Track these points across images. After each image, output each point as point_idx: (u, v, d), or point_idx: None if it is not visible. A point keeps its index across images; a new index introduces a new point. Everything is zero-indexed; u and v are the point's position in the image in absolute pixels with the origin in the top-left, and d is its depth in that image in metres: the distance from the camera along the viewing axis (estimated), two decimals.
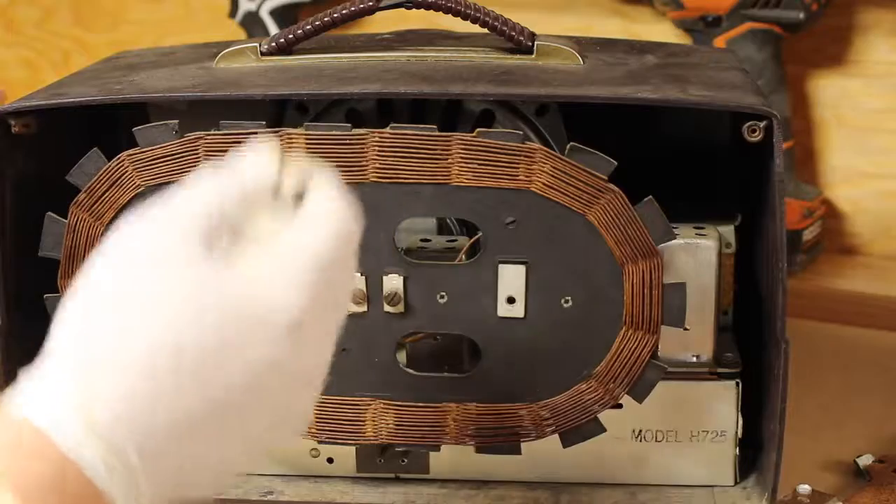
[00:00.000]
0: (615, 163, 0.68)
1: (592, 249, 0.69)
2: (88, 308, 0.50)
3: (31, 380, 0.49)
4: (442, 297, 0.71)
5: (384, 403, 0.73)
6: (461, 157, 0.69)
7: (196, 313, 0.49)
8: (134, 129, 0.71)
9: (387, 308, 0.71)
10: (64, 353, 0.49)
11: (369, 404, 0.73)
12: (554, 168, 0.68)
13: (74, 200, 0.72)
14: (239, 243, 0.53)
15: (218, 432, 0.50)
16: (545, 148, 0.68)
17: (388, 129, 0.69)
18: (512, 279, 0.70)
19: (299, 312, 0.52)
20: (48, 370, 0.49)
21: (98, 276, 0.51)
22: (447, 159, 0.69)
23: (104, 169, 0.71)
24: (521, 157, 0.68)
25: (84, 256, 0.72)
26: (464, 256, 0.74)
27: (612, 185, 0.68)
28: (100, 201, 0.71)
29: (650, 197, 0.69)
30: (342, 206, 0.55)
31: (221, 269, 0.51)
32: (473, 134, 0.69)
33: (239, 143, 0.69)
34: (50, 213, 0.72)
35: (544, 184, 0.69)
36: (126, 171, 0.71)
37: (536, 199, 0.69)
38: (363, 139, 0.69)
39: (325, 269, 0.53)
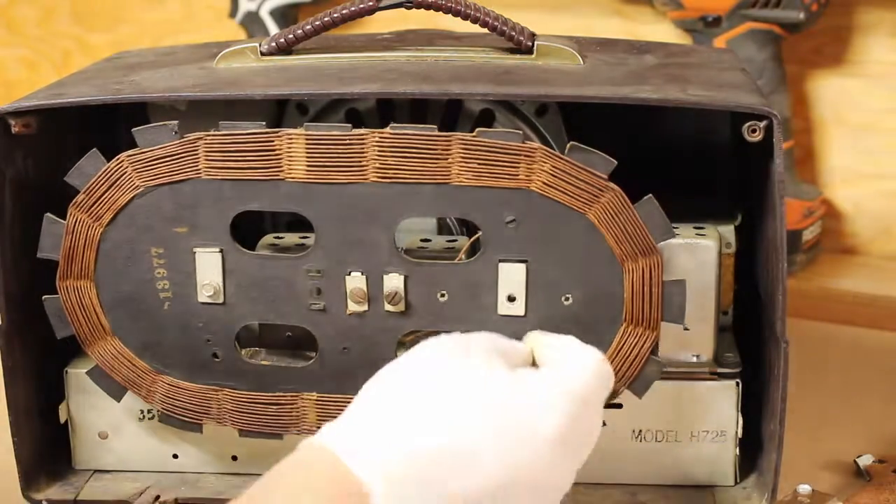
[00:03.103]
0: (615, 162, 0.68)
1: (592, 247, 0.69)
2: (398, 382, 0.61)
3: (343, 434, 0.58)
4: (442, 295, 0.71)
5: None
6: (461, 157, 0.69)
7: (484, 414, 0.59)
8: (133, 130, 0.71)
9: (388, 307, 0.71)
10: (372, 421, 0.59)
11: None
12: (554, 167, 0.68)
13: (73, 201, 0.72)
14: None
15: None
16: (545, 147, 0.68)
17: (388, 129, 0.69)
18: (512, 277, 0.70)
19: (561, 432, 0.60)
20: (360, 432, 0.58)
21: (411, 366, 0.62)
22: (447, 159, 0.69)
23: (103, 170, 0.71)
24: (522, 157, 0.68)
25: (83, 257, 0.72)
26: (464, 256, 0.74)
27: (611, 184, 0.68)
28: (99, 202, 0.71)
29: (650, 195, 0.69)
30: (600, 360, 0.64)
31: (513, 383, 0.61)
32: (473, 134, 0.69)
33: (238, 143, 0.70)
34: (48, 213, 0.72)
35: (544, 183, 0.69)
36: (125, 172, 0.71)
37: (536, 198, 0.69)
38: (363, 139, 0.69)
39: (584, 404, 0.61)
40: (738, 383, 0.76)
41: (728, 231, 0.79)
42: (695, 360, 0.76)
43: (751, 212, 0.78)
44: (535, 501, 0.60)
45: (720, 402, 0.76)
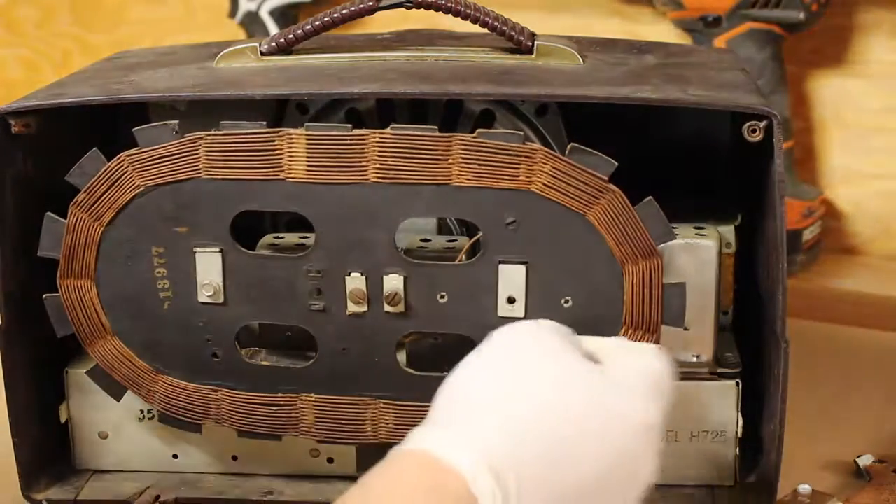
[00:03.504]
0: (615, 163, 0.68)
1: (592, 249, 0.69)
2: (491, 376, 0.59)
3: (436, 433, 0.57)
4: (442, 296, 0.71)
5: (384, 403, 0.73)
6: (461, 158, 0.69)
7: (570, 398, 0.58)
8: (134, 130, 0.71)
9: (387, 308, 0.71)
10: (467, 413, 0.57)
11: (369, 404, 0.73)
12: (554, 168, 0.68)
13: (74, 200, 0.72)
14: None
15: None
16: (545, 148, 0.68)
17: (388, 130, 0.69)
18: (512, 279, 0.70)
19: (653, 416, 0.60)
20: (452, 424, 0.57)
21: (491, 353, 0.60)
22: (447, 160, 0.69)
23: (104, 169, 0.71)
24: (522, 158, 0.68)
25: (83, 256, 0.72)
26: (464, 257, 0.74)
27: (612, 186, 0.68)
28: (99, 201, 0.71)
29: (650, 197, 0.69)
30: (659, 351, 0.64)
31: (593, 368, 0.60)
32: (474, 135, 0.69)
33: (239, 143, 0.70)
34: (49, 212, 0.72)
35: (544, 184, 0.69)
36: (126, 172, 0.71)
37: (537, 199, 0.69)
38: (363, 139, 0.69)
39: (666, 392, 0.62)
40: (738, 383, 0.76)
41: (728, 231, 0.79)
42: (695, 360, 0.76)
43: (751, 212, 0.78)
44: (632, 490, 0.59)
45: (720, 402, 0.76)
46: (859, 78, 1.19)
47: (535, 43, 0.78)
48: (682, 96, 0.71)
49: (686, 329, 0.73)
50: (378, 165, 0.69)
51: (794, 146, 1.17)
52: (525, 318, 0.70)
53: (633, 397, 0.60)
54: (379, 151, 0.69)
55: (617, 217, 0.68)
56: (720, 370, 0.76)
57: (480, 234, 0.70)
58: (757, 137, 0.69)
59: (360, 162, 0.69)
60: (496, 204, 0.69)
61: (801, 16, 1.10)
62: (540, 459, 0.56)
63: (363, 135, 0.69)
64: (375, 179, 0.70)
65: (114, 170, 0.71)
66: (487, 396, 0.57)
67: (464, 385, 0.59)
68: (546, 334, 0.62)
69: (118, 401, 0.76)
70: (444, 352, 0.69)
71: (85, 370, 0.76)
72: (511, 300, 0.71)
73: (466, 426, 0.56)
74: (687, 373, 0.75)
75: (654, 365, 0.63)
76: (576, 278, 0.70)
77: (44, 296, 0.73)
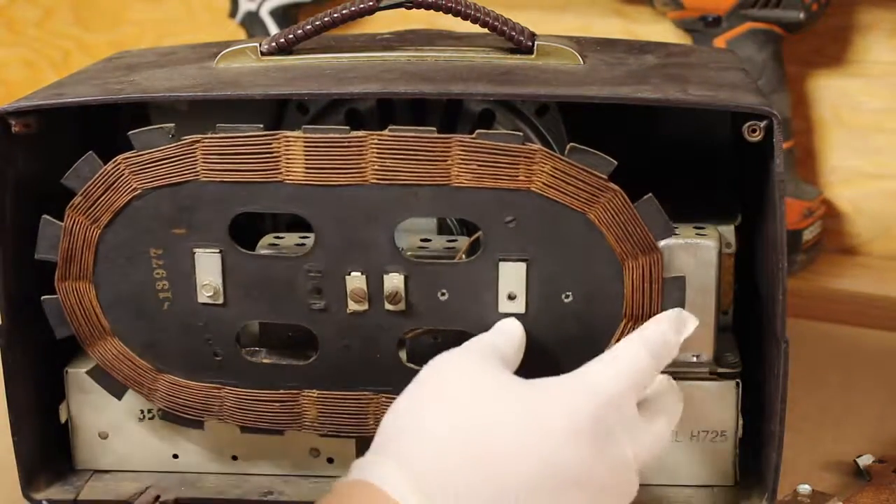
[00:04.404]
0: (615, 162, 0.68)
1: (593, 246, 0.69)
2: (415, 405, 0.62)
3: (374, 462, 0.61)
4: (443, 294, 0.71)
5: (386, 398, 0.73)
6: (461, 159, 0.69)
7: (488, 412, 0.60)
8: (129, 133, 0.71)
9: (388, 307, 0.71)
10: (397, 442, 0.61)
11: (371, 399, 0.73)
12: (554, 168, 0.68)
13: (70, 203, 0.72)
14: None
15: None
16: (545, 148, 0.68)
17: (386, 131, 0.69)
18: (512, 276, 0.70)
19: (578, 421, 0.60)
20: (387, 453, 0.61)
21: (419, 382, 0.64)
22: (447, 161, 0.69)
23: (100, 172, 0.71)
24: (521, 158, 0.68)
25: (81, 259, 0.72)
26: (464, 255, 0.74)
27: (612, 184, 0.68)
28: (96, 204, 0.71)
29: (650, 194, 0.69)
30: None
31: (514, 381, 0.62)
32: (473, 136, 0.69)
33: (236, 146, 0.70)
34: (45, 215, 0.72)
35: (544, 184, 0.69)
36: (122, 175, 0.71)
37: (537, 198, 0.69)
38: (362, 141, 0.69)
39: (605, 394, 0.62)
40: (738, 383, 0.76)
41: (728, 231, 0.79)
42: (695, 360, 0.76)
43: (751, 212, 0.78)
44: (577, 498, 0.60)
45: (720, 402, 0.76)
46: (859, 78, 1.19)
47: (535, 43, 0.78)
48: (682, 96, 0.71)
49: None
50: (377, 167, 0.69)
51: (794, 146, 1.17)
52: (526, 314, 0.70)
53: (552, 403, 0.61)
54: (378, 153, 0.69)
55: (617, 215, 0.69)
56: (720, 370, 0.76)
57: (480, 232, 0.70)
58: (757, 137, 0.69)
59: (359, 164, 0.69)
60: (496, 204, 0.69)
61: (801, 16, 1.10)
62: (466, 474, 0.59)
63: (361, 137, 0.69)
64: (374, 181, 0.70)
65: (110, 173, 0.71)
66: (415, 422, 0.61)
67: (399, 414, 0.63)
68: (466, 356, 0.65)
69: (119, 399, 0.76)
70: (445, 346, 0.68)
71: (85, 370, 0.76)
72: (511, 297, 0.71)
73: (397, 454, 0.60)
74: (687, 373, 0.75)
75: (592, 368, 0.64)
76: (576, 274, 0.70)
77: (42, 298, 0.73)
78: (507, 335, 0.69)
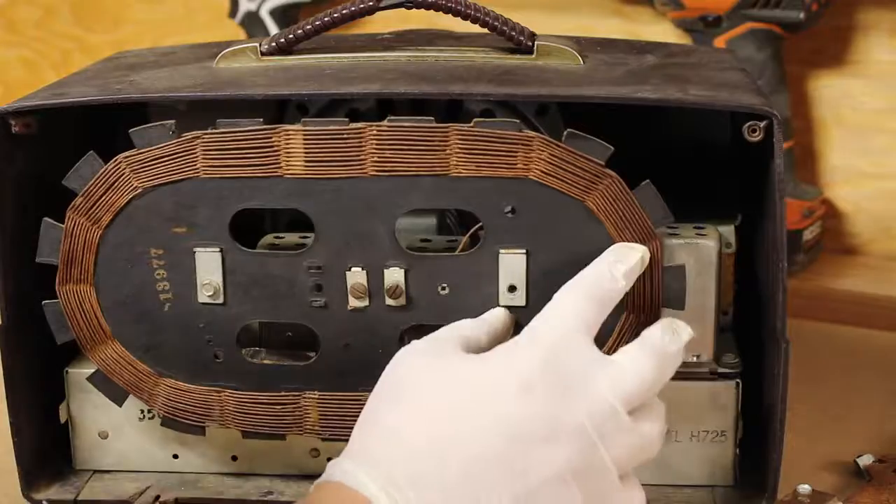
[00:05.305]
0: (612, 148, 0.68)
1: (592, 235, 0.69)
2: (376, 404, 0.63)
3: (345, 463, 0.61)
4: (443, 288, 0.71)
5: None
6: (459, 148, 0.69)
7: (451, 400, 0.61)
8: (130, 131, 0.71)
9: (388, 301, 0.71)
10: (362, 443, 0.62)
11: None
12: (552, 155, 0.68)
13: (71, 205, 0.71)
14: None
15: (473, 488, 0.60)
16: (542, 136, 0.68)
17: (385, 122, 0.69)
18: (513, 267, 0.70)
19: (527, 374, 0.61)
20: (358, 453, 0.62)
21: (383, 379, 0.64)
22: (445, 150, 0.69)
23: (101, 172, 0.71)
24: (519, 146, 0.68)
25: (82, 261, 0.72)
26: (464, 249, 0.74)
27: (609, 171, 0.68)
28: (97, 205, 0.71)
29: (647, 181, 0.69)
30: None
31: (468, 358, 0.63)
32: (471, 124, 0.69)
33: (236, 141, 0.70)
34: (46, 218, 0.72)
35: (542, 171, 0.69)
36: (123, 174, 0.71)
37: (535, 186, 0.69)
38: (361, 133, 0.69)
39: (551, 345, 0.62)
40: (738, 383, 0.76)
41: (728, 231, 0.79)
42: (695, 360, 0.76)
43: (751, 212, 0.78)
44: (544, 462, 0.60)
45: (720, 402, 0.76)
46: (859, 78, 1.19)
47: (535, 43, 0.78)
48: (682, 96, 0.71)
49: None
50: (376, 158, 0.69)
51: (794, 146, 1.17)
52: (526, 306, 0.71)
53: (500, 365, 0.62)
54: (377, 144, 0.69)
55: (615, 202, 0.69)
56: (720, 370, 0.76)
57: (480, 224, 0.70)
58: (757, 137, 0.69)
59: (359, 155, 0.69)
60: (495, 193, 0.69)
61: (801, 16, 1.10)
62: (432, 461, 0.59)
63: (360, 128, 0.69)
64: (374, 172, 0.70)
65: (111, 172, 0.71)
66: (379, 418, 0.62)
67: (365, 416, 0.63)
68: (423, 347, 0.65)
69: (120, 405, 0.76)
70: None
71: (85, 370, 0.76)
72: (512, 288, 0.71)
73: (364, 453, 0.61)
74: (687, 373, 0.75)
75: (533, 324, 0.64)
76: (576, 264, 0.69)
77: (43, 302, 0.73)
78: (481, 320, 0.69)
